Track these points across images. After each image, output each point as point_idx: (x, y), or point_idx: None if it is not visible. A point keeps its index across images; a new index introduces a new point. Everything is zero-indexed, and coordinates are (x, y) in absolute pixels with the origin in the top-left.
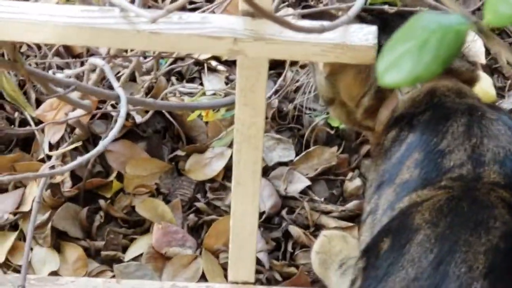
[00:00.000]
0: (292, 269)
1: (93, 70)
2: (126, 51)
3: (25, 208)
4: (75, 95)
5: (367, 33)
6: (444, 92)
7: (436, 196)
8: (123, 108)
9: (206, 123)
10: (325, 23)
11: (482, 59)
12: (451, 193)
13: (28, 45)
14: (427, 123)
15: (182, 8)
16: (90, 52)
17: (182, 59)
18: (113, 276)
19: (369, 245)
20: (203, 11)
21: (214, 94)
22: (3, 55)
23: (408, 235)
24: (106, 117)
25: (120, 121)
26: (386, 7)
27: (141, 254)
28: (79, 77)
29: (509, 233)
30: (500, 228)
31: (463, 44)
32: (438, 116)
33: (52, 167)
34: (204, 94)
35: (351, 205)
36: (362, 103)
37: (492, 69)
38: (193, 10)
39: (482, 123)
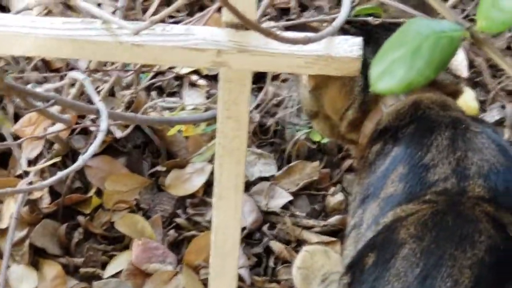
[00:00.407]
0: (274, 285)
1: (73, 85)
2: (106, 65)
3: (2, 224)
4: (54, 110)
5: (352, 45)
6: (428, 105)
7: (421, 211)
8: (103, 122)
9: (187, 138)
10: (310, 34)
11: (464, 72)
12: (436, 207)
13: (6, 60)
14: (411, 136)
15: (163, 22)
16: (69, 67)
17: (162, 73)
18: None
19: (354, 260)
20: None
21: (194, 108)
22: None
23: (393, 249)
24: (86, 133)
25: (100, 136)
26: (370, 18)
27: (121, 271)
28: (58, 91)
29: (494, 247)
30: (485, 242)
31: (457, 50)
32: (422, 129)
33: (30, 183)
34: (184, 108)
35: (333, 220)
36: (347, 116)
37: (474, 82)
38: (174, 24)
39: (467, 136)
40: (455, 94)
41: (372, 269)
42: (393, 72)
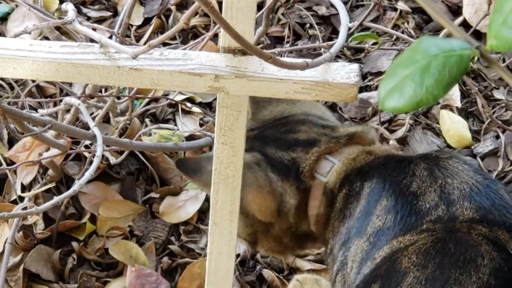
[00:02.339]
0: None
1: (68, 111)
2: (100, 91)
3: None
4: (49, 135)
5: (350, 71)
6: (379, 151)
7: (420, 240)
8: (99, 148)
9: None
10: (308, 60)
11: (457, 102)
12: (435, 235)
13: (0, 85)
14: (383, 168)
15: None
16: (63, 93)
17: (156, 100)
18: None
19: None
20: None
21: (189, 135)
22: None
23: (397, 279)
24: (79, 159)
25: (96, 161)
26: (367, 45)
27: None
28: (53, 117)
29: (498, 269)
30: (489, 265)
31: (467, 69)
32: (394, 161)
33: (25, 208)
34: (178, 135)
35: None
36: (287, 205)
37: (467, 112)
38: None
39: (440, 165)
40: (372, 143)
41: None
42: (402, 91)
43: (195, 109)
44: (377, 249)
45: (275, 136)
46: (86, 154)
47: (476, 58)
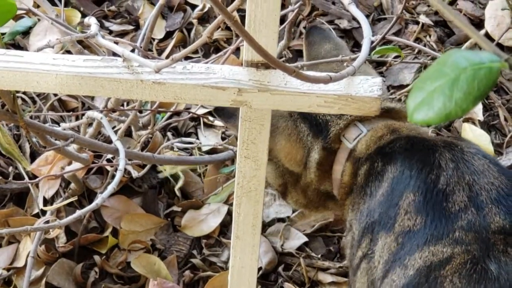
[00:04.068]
0: None
1: (90, 124)
2: (123, 105)
3: (19, 263)
4: (71, 149)
5: (372, 85)
6: (403, 128)
7: (457, 257)
8: (121, 161)
9: (202, 178)
10: (331, 73)
11: (479, 116)
12: (473, 252)
13: (23, 99)
14: (407, 154)
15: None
16: (86, 107)
17: (178, 114)
18: None
19: None
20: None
21: (211, 149)
22: (2, 106)
23: None
24: (101, 172)
25: (119, 174)
26: (389, 59)
27: None
28: (75, 131)
29: None
30: None
31: (495, 82)
32: (418, 147)
33: (47, 222)
34: (200, 149)
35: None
36: (311, 159)
37: (489, 125)
38: None
39: (465, 159)
40: (405, 119)
41: None
42: (431, 104)
43: (217, 122)
44: (406, 253)
45: None
46: (108, 168)
47: None
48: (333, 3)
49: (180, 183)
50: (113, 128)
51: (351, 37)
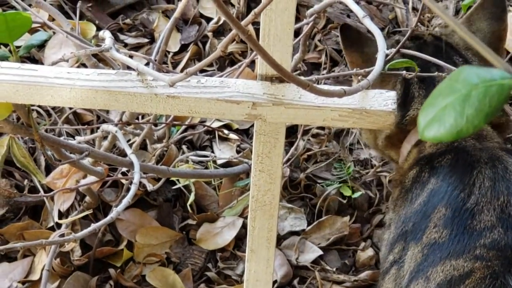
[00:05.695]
0: None
1: (105, 138)
2: (137, 118)
3: (34, 276)
4: (86, 162)
5: (387, 98)
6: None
7: (476, 272)
8: (136, 175)
9: (217, 191)
10: (346, 87)
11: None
12: (492, 267)
13: (38, 112)
14: (449, 170)
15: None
16: (100, 120)
17: (193, 127)
18: None
19: None
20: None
21: (226, 162)
22: (18, 119)
23: None
24: (116, 186)
25: (133, 188)
26: (404, 72)
27: None
28: (90, 144)
29: None
30: None
31: (507, 98)
32: (461, 164)
33: (62, 235)
34: (215, 162)
35: (363, 275)
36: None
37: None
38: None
39: (507, 178)
40: (500, 126)
41: None
42: (442, 120)
43: (232, 135)
44: (429, 264)
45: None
46: (123, 181)
47: None
48: (348, 16)
49: (191, 197)
50: (128, 141)
51: None
